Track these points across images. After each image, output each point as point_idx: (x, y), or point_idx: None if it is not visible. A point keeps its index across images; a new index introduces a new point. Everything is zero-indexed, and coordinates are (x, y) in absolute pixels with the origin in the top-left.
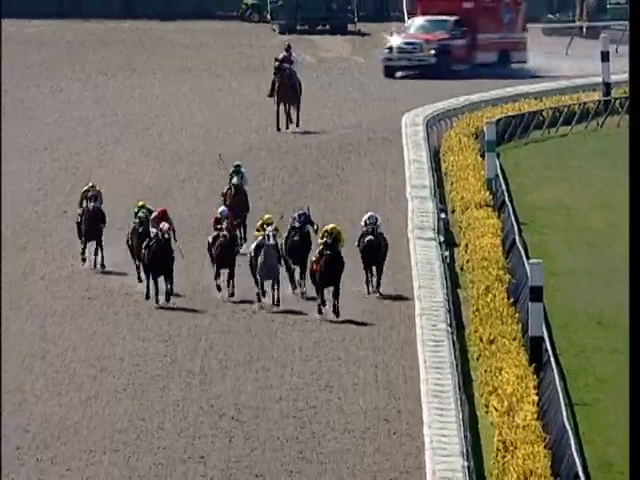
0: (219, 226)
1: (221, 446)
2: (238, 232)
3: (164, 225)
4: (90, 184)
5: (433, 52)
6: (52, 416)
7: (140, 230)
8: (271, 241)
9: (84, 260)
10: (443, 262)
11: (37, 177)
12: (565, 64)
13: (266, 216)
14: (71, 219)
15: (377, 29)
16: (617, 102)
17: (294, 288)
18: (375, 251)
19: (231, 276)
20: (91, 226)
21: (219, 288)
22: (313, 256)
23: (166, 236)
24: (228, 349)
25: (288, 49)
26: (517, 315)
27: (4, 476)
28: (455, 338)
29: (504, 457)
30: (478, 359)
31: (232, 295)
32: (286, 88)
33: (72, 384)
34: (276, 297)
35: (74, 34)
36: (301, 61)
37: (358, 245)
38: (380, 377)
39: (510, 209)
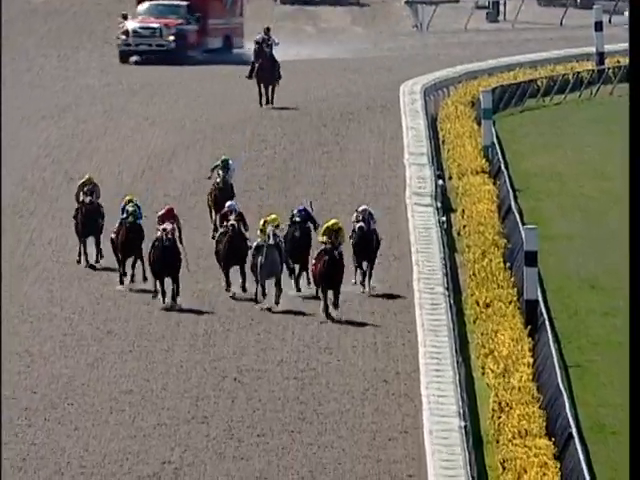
0: (225, 222)
1: (224, 407)
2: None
3: (167, 225)
4: (87, 176)
5: (172, 37)
6: (59, 377)
7: (128, 225)
8: (271, 241)
9: (79, 261)
10: (440, 227)
11: (44, 144)
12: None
13: (271, 216)
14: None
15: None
16: (610, 71)
17: (298, 290)
18: (367, 245)
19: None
20: (88, 223)
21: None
22: (314, 257)
23: (170, 237)
24: (230, 313)
25: (267, 32)
26: (512, 279)
27: (14, 436)
28: (452, 302)
29: (499, 417)
30: (474, 322)
31: (244, 290)
32: (265, 70)
33: (79, 346)
34: (278, 296)
35: (80, 4)
36: (278, 42)
37: (351, 238)
38: (379, 340)
39: (506, 176)
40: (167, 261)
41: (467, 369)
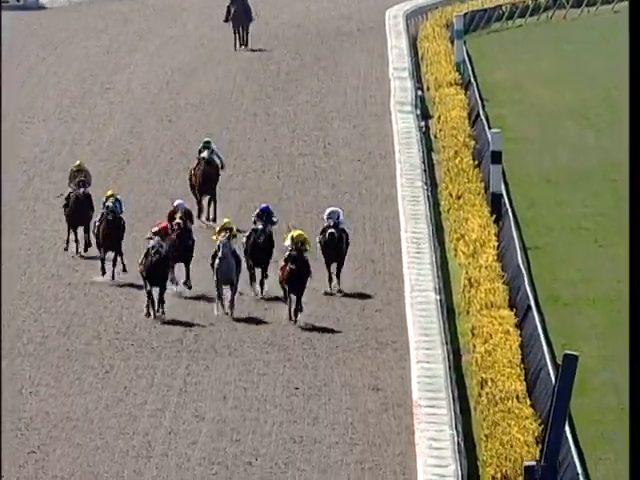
0: (174, 217)
1: None
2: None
3: (157, 239)
4: (78, 162)
5: None
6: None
7: (108, 220)
8: (220, 254)
9: (66, 249)
10: (419, 131)
11: (84, 59)
12: None
13: (225, 220)
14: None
15: None
16: None
17: (255, 292)
18: (337, 245)
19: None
20: (79, 213)
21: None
22: (280, 262)
23: (162, 254)
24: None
25: None
26: (480, 175)
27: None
28: (429, 194)
29: (469, 292)
30: (448, 211)
31: (189, 287)
32: (240, 14)
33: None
34: (232, 301)
35: None
36: None
37: (319, 240)
38: (367, 226)
39: (475, 87)
40: (157, 271)
41: (442, 251)
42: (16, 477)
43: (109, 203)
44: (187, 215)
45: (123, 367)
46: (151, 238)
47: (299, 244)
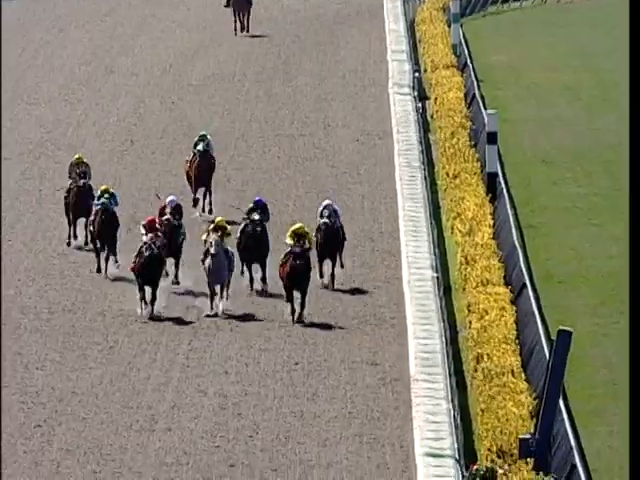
0: (164, 212)
1: None
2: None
3: (150, 236)
4: (77, 156)
5: None
6: None
7: (102, 214)
8: (213, 250)
9: (69, 244)
10: (417, 112)
11: (89, 44)
12: None
13: (217, 219)
14: (114, 75)
15: None
16: None
17: (251, 290)
18: (332, 241)
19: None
20: (80, 205)
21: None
22: (280, 259)
23: (155, 248)
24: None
25: None
26: (476, 155)
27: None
28: (426, 174)
29: (466, 269)
30: (445, 190)
31: (177, 282)
32: (240, 0)
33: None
34: (224, 301)
35: None
36: None
37: (315, 235)
38: (365, 205)
39: (471, 69)
40: (150, 270)
41: (439, 230)
42: (23, 450)
43: (103, 198)
44: (177, 210)
45: (127, 343)
46: (144, 234)
47: (301, 241)
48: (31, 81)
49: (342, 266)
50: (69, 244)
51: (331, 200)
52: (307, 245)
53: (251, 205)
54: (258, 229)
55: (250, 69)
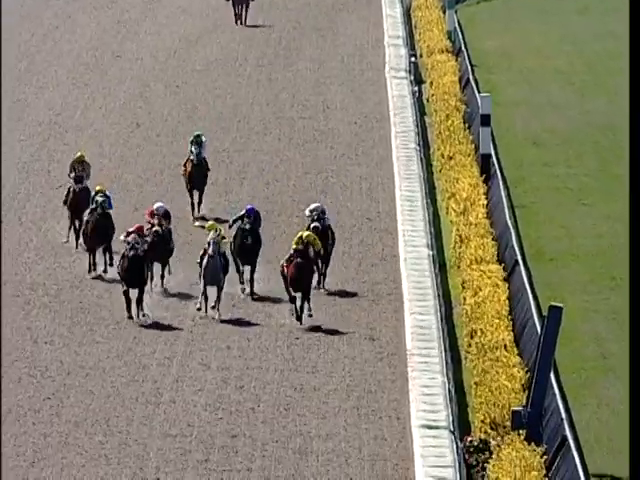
0: (152, 221)
1: None
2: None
3: (133, 236)
4: (79, 154)
5: None
6: None
7: (97, 215)
8: (210, 251)
9: (67, 241)
10: (413, 95)
11: (96, 28)
12: None
13: (209, 223)
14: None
15: None
16: None
17: (243, 290)
18: (322, 244)
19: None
20: (78, 207)
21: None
22: (284, 260)
23: (139, 251)
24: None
25: None
26: (470, 137)
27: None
28: (422, 155)
29: (460, 247)
30: (440, 171)
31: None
32: None
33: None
34: (218, 300)
35: None
36: None
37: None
38: (363, 186)
39: (465, 54)
40: (135, 272)
41: (434, 209)
42: (32, 422)
43: (98, 198)
44: (165, 217)
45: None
46: (127, 236)
47: (306, 243)
48: (40, 65)
49: (325, 274)
50: (67, 242)
51: (319, 202)
52: (314, 248)
53: (242, 212)
54: (248, 240)
55: (252, 54)
